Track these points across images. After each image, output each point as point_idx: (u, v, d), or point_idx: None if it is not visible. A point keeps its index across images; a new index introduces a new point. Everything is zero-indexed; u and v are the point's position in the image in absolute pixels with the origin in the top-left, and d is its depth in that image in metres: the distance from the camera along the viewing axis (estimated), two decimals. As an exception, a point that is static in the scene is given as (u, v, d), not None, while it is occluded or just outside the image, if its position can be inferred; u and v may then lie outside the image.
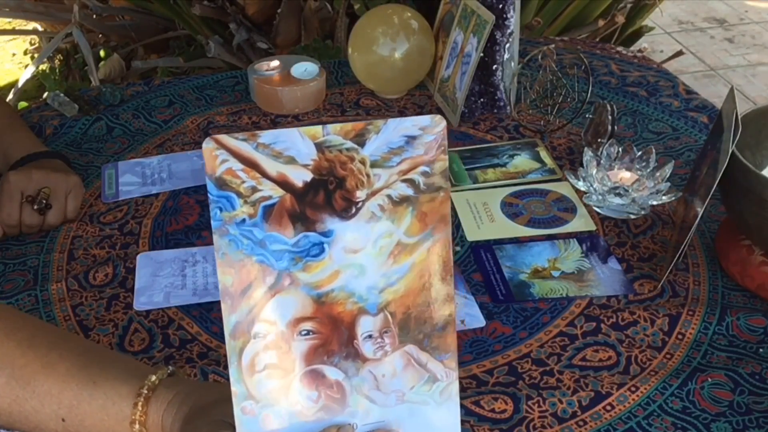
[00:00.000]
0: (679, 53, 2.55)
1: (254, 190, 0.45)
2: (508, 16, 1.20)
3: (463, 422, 0.77)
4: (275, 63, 1.32)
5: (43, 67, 2.68)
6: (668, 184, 1.04)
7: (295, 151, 0.44)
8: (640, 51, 1.72)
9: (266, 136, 0.44)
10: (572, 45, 1.51)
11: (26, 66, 2.91)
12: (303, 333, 0.46)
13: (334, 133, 0.44)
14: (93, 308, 0.92)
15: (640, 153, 1.07)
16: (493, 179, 1.13)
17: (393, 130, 0.45)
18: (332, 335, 0.47)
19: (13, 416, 0.63)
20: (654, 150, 1.06)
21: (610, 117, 1.13)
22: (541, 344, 0.87)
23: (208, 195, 0.45)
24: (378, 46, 1.27)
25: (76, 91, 1.34)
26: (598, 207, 1.06)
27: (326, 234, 0.45)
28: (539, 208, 1.07)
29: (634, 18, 2.34)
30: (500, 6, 1.19)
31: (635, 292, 0.93)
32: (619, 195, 1.04)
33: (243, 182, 0.44)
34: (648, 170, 1.05)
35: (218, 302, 0.94)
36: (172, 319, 0.90)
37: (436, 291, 0.47)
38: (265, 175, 0.44)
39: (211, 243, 1.03)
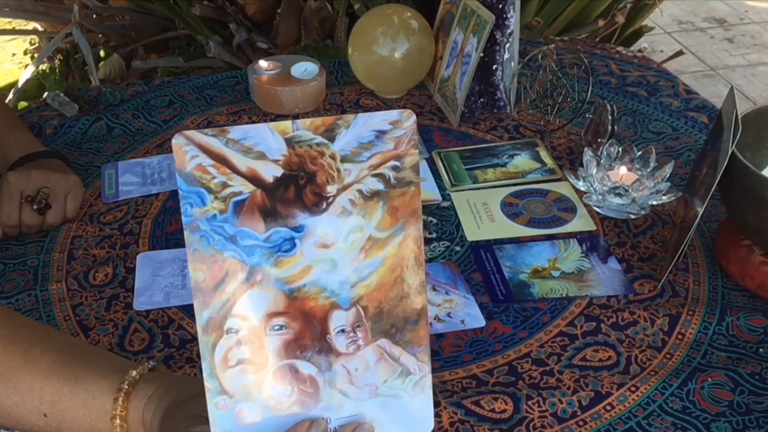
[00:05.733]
0: (679, 53, 2.55)
1: (224, 185, 0.44)
2: (508, 16, 1.20)
3: (463, 422, 0.78)
4: (275, 63, 1.32)
5: (43, 67, 2.68)
6: (668, 184, 1.04)
7: (265, 146, 0.44)
8: (640, 51, 1.72)
9: (236, 131, 0.44)
10: (572, 45, 1.51)
11: (26, 66, 2.91)
12: (276, 328, 0.46)
13: (304, 128, 0.44)
14: (93, 308, 0.92)
15: (640, 153, 1.07)
16: (493, 179, 1.13)
17: (363, 125, 0.45)
18: (305, 330, 0.47)
19: None
20: (654, 150, 1.06)
21: (610, 117, 1.13)
22: (541, 344, 0.87)
23: (179, 191, 0.44)
24: (378, 46, 1.27)
25: (76, 91, 1.34)
26: (598, 207, 1.06)
27: (297, 229, 0.45)
28: (539, 208, 1.07)
29: (634, 18, 2.35)
30: (500, 6, 1.19)
31: (635, 292, 0.93)
32: (619, 195, 1.04)
33: (213, 178, 0.44)
34: (648, 170, 1.05)
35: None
36: (172, 319, 0.90)
37: (408, 285, 0.47)
38: (235, 170, 0.44)
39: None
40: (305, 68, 1.30)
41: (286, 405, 0.47)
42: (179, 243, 1.02)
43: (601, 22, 2.19)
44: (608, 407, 0.80)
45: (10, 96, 2.50)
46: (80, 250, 1.01)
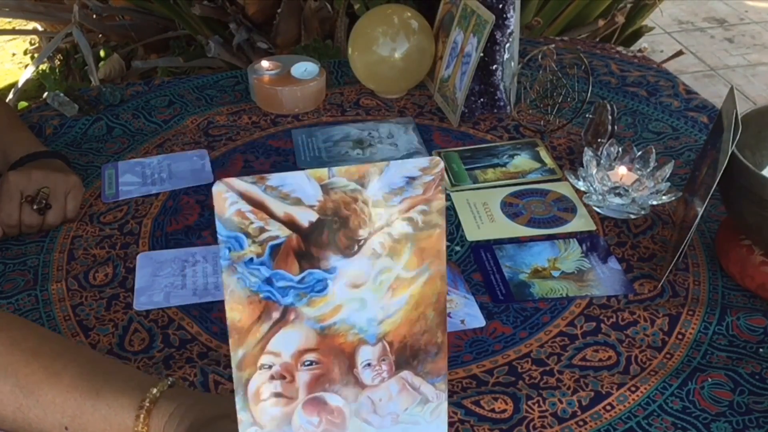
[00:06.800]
0: (679, 53, 2.55)
1: (262, 230, 0.46)
2: (508, 16, 1.20)
3: (463, 422, 0.78)
4: (275, 63, 1.32)
5: (43, 67, 2.68)
6: (668, 184, 1.04)
7: (301, 192, 0.46)
8: (640, 51, 1.72)
9: (274, 179, 0.46)
10: (572, 45, 1.51)
11: (26, 66, 2.91)
12: (306, 364, 0.48)
13: (339, 175, 0.46)
14: (93, 308, 0.92)
15: (640, 153, 1.07)
16: (493, 179, 1.13)
17: (394, 172, 0.47)
18: (333, 365, 0.49)
19: (17, 423, 0.64)
20: (654, 150, 1.06)
21: (610, 117, 1.13)
22: (541, 344, 0.87)
23: (218, 235, 0.46)
24: (378, 46, 1.27)
25: (76, 91, 1.34)
26: (598, 207, 1.06)
27: (330, 271, 0.47)
28: (539, 208, 1.07)
29: (634, 18, 2.35)
30: (500, 6, 1.19)
31: (635, 292, 0.93)
32: (619, 195, 1.04)
33: (251, 223, 0.46)
34: (648, 170, 1.05)
35: (218, 302, 0.94)
36: (172, 319, 0.90)
37: (430, 320, 0.49)
38: (272, 216, 0.46)
39: (211, 243, 1.03)
40: (305, 68, 1.30)
41: None
42: (179, 243, 1.02)
43: (601, 22, 2.19)
44: (608, 407, 0.80)
45: (10, 96, 2.50)
46: (80, 250, 1.01)
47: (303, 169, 1.23)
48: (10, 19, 3.20)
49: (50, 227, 1.04)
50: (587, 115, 1.18)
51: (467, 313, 0.90)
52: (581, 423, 0.78)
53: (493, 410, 0.79)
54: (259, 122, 1.27)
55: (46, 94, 1.34)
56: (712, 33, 3.48)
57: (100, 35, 2.66)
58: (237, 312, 0.47)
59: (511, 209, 1.07)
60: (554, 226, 1.04)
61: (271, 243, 0.46)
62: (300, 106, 1.29)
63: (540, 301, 0.92)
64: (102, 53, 2.60)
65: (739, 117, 0.88)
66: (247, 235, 0.46)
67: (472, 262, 0.98)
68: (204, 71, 2.27)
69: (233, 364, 0.48)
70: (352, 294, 0.48)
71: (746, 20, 3.58)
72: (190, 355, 0.86)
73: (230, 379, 0.82)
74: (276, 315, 0.47)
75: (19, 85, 2.49)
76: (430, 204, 0.47)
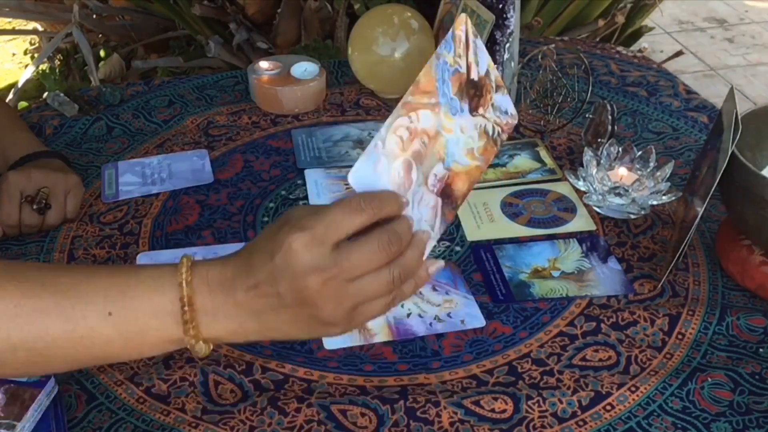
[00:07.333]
0: (679, 53, 2.55)
1: (459, 56, 0.70)
2: (508, 16, 1.20)
3: (463, 422, 0.78)
4: (275, 63, 1.32)
5: (43, 67, 2.68)
6: (668, 184, 1.04)
7: (480, 60, 0.72)
8: (640, 51, 1.72)
9: (479, 42, 0.71)
10: (572, 45, 1.51)
11: (26, 66, 2.91)
12: (421, 140, 0.68)
13: (495, 74, 0.73)
14: (93, 308, 0.92)
15: (640, 153, 1.07)
16: (493, 179, 1.13)
17: (507, 99, 0.74)
18: (427, 155, 0.68)
19: (64, 337, 0.64)
20: (654, 150, 1.06)
21: (610, 117, 1.13)
22: (541, 344, 0.87)
23: (448, 33, 0.69)
24: (378, 46, 1.27)
25: (76, 91, 1.34)
26: (598, 207, 1.06)
27: (462, 110, 0.70)
28: (539, 208, 1.07)
29: (634, 18, 2.35)
30: (500, 6, 1.19)
31: (635, 292, 0.93)
32: (619, 195, 1.04)
33: (458, 47, 0.69)
34: (648, 170, 1.05)
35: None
36: (172, 319, 0.90)
37: (458, 189, 0.71)
38: (466, 55, 0.70)
39: (210, 243, 1.03)
40: (305, 68, 1.30)
41: (394, 185, 0.66)
42: (179, 243, 1.02)
43: (601, 22, 2.19)
44: (608, 407, 0.80)
45: (10, 96, 2.50)
46: (80, 250, 1.01)
47: (303, 170, 1.23)
48: (10, 19, 3.20)
49: (50, 227, 1.04)
50: (587, 115, 1.18)
51: (467, 313, 0.90)
52: (581, 423, 0.78)
53: (493, 410, 0.79)
54: (259, 122, 1.27)
55: (46, 94, 1.34)
56: (712, 33, 3.48)
57: (100, 35, 2.67)
58: (425, 78, 0.68)
59: (511, 209, 1.07)
60: (554, 226, 1.04)
61: (457, 66, 0.70)
62: (300, 106, 1.29)
63: (540, 301, 0.92)
64: (102, 53, 2.60)
65: (739, 117, 0.88)
66: (454, 50, 0.69)
67: (472, 262, 0.98)
68: (204, 71, 2.27)
69: (400, 103, 0.67)
70: (458, 132, 0.70)
71: (746, 20, 3.59)
72: (190, 355, 0.86)
73: (230, 379, 0.82)
74: (433, 100, 0.68)
75: (19, 85, 2.49)
76: (503, 133, 0.74)
